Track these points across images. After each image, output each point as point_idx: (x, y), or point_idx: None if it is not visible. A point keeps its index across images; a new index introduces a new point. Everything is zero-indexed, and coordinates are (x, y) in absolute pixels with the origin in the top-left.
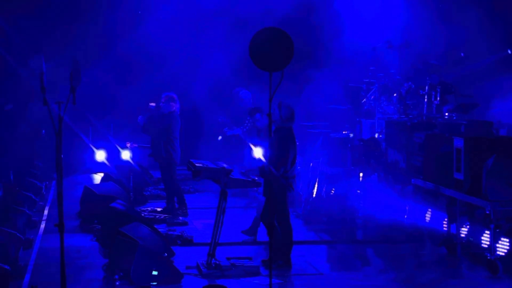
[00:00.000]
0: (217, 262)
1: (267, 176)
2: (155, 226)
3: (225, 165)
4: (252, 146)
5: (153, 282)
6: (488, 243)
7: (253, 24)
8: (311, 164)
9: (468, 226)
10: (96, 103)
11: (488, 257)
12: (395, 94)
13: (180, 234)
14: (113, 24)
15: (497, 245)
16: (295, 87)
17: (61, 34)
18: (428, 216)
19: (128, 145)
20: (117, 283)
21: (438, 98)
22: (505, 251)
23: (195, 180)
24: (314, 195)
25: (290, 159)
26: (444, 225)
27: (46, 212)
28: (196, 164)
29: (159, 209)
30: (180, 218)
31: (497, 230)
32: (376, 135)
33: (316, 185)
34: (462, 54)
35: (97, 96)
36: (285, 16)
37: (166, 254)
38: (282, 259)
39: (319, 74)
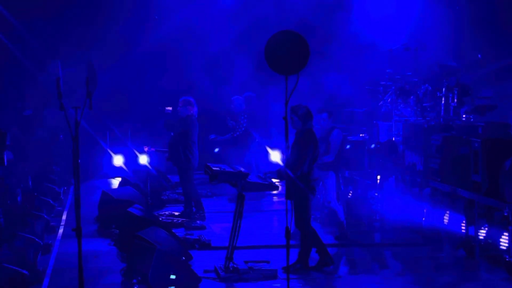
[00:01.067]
0: (235, 266)
1: (285, 179)
2: (172, 230)
3: (242, 169)
4: (269, 150)
5: (171, 286)
6: (506, 245)
7: (270, 25)
8: None
9: (486, 228)
10: (113, 108)
11: (507, 259)
12: (412, 97)
13: (197, 238)
14: (130, 28)
15: None
16: (312, 90)
17: (78, 39)
18: (446, 219)
19: (146, 149)
20: (135, 287)
21: (456, 100)
22: None
23: (212, 184)
24: None
25: (307, 162)
26: (462, 227)
27: (64, 217)
28: (213, 168)
29: (176, 213)
30: (198, 222)
31: None
32: (393, 138)
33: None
34: (479, 56)
35: (114, 101)
36: (302, 18)
37: (184, 258)
38: (300, 262)
39: (336, 77)
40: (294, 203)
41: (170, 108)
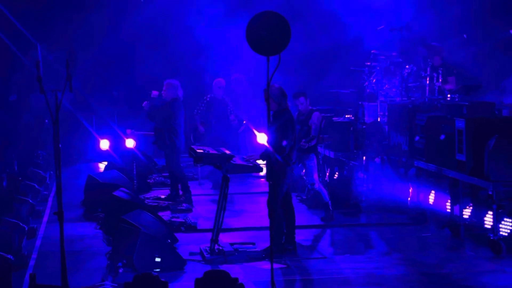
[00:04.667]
0: (221, 248)
1: (268, 160)
2: (158, 213)
3: (226, 151)
4: (256, 132)
5: (156, 269)
6: (491, 223)
7: (254, 6)
8: None
9: (471, 207)
10: (99, 91)
11: (491, 238)
12: (397, 77)
13: (183, 220)
14: (116, 11)
15: (500, 225)
16: (297, 71)
17: (65, 23)
18: (431, 198)
19: (129, 132)
20: (120, 270)
21: (440, 80)
22: (508, 231)
23: (197, 166)
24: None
25: (288, 142)
26: (447, 207)
27: (49, 201)
28: (197, 150)
29: (162, 196)
30: (184, 204)
31: (500, 211)
32: (379, 119)
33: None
34: (464, 36)
35: (100, 84)
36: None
37: (169, 241)
38: (275, 245)
39: (320, 58)
40: (270, 183)
41: (156, 92)
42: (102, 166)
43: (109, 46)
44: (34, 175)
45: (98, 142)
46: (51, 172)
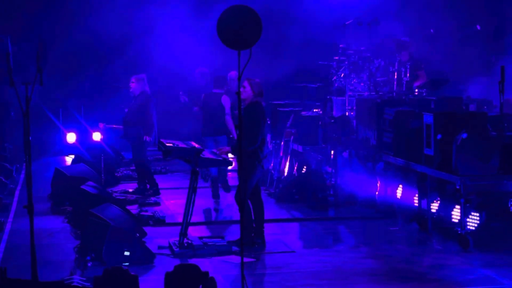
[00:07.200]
0: (189, 242)
1: (238, 154)
2: (126, 207)
3: (195, 145)
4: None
5: (125, 262)
6: (458, 217)
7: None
8: (282, 142)
9: (438, 201)
10: (66, 84)
11: (459, 232)
12: (365, 72)
13: (152, 214)
14: (82, 3)
15: (468, 219)
16: (266, 65)
17: (31, 14)
18: (399, 192)
19: (101, 126)
20: (89, 264)
21: (408, 75)
22: (475, 225)
23: (166, 160)
24: (285, 174)
25: (260, 135)
26: (415, 201)
27: (16, 195)
28: (167, 144)
29: (130, 190)
30: (152, 198)
31: (467, 205)
32: (347, 113)
33: (287, 164)
34: (432, 30)
35: (67, 77)
36: None
37: (138, 235)
38: (244, 238)
39: (288, 52)
40: (241, 176)
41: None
42: (69, 159)
43: (77, 38)
44: (0, 168)
45: (65, 135)
46: (18, 165)
